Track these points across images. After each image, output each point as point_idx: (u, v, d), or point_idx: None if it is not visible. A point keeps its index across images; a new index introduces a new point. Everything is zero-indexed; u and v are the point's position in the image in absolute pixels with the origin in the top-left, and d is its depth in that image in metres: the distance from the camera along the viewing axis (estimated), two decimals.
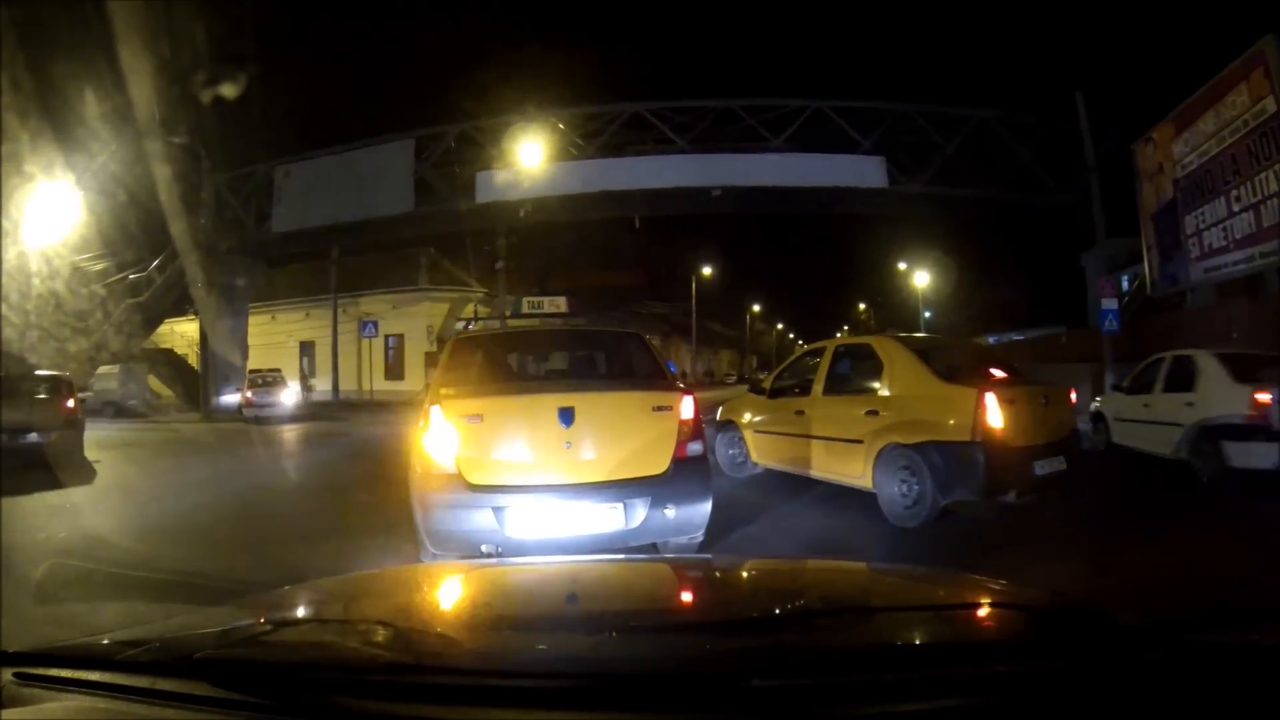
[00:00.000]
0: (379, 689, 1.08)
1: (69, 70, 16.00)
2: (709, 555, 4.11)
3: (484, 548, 3.80)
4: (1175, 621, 1.28)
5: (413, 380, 28.67)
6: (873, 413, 6.12)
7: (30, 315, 17.10)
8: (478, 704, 1.02)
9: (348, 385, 27.59)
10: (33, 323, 17.12)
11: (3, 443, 8.49)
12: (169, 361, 28.23)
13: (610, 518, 3.90)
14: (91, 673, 1.19)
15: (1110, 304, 13.73)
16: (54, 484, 7.95)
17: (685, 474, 4.10)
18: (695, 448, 4.19)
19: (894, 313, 45.41)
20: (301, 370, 31.00)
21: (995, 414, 5.43)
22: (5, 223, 15.74)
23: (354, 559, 4.41)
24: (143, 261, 23.40)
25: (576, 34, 55.77)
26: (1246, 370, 7.36)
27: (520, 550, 3.74)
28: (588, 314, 15.35)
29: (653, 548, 4.15)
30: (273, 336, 30.53)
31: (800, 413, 6.91)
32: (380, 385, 29.01)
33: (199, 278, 20.80)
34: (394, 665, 1.12)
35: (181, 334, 29.66)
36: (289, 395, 21.22)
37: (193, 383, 25.39)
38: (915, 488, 5.64)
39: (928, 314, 35.40)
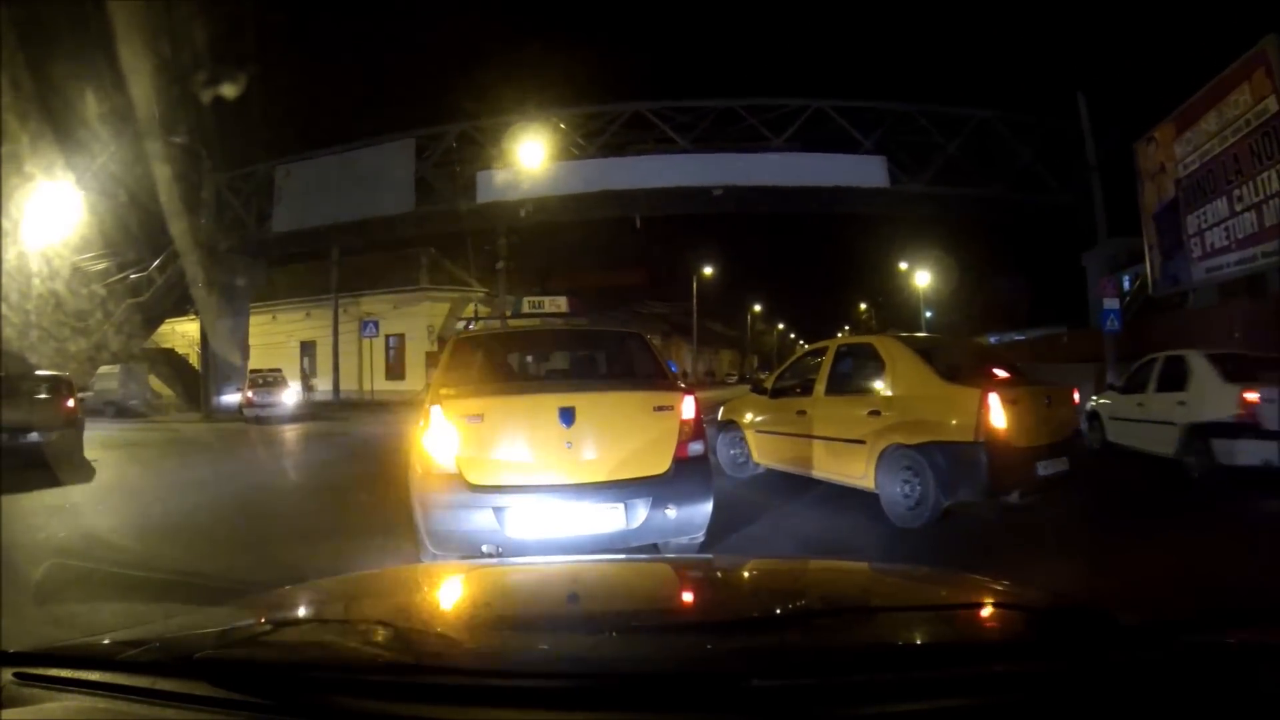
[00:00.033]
0: (379, 689, 1.07)
1: (69, 70, 16.02)
2: (710, 555, 4.10)
3: (484, 548, 3.80)
4: (1175, 621, 1.28)
5: (414, 380, 28.66)
6: (875, 413, 6.10)
7: (30, 315, 17.11)
8: (478, 704, 1.02)
9: (349, 385, 27.59)
10: (33, 323, 17.13)
11: (3, 442, 8.50)
12: (170, 361, 28.22)
13: (611, 518, 3.90)
14: (91, 673, 1.19)
15: (1112, 304, 13.73)
16: (53, 482, 8.01)
17: (686, 474, 4.10)
18: (696, 448, 4.19)
19: (895, 312, 45.48)
20: (303, 370, 31.03)
21: (999, 414, 5.41)
22: (5, 223, 15.76)
23: (354, 559, 4.40)
24: (143, 261, 23.41)
25: (577, 34, 55.85)
26: (1236, 370, 7.61)
27: (521, 550, 3.74)
28: (588, 314, 15.37)
29: (654, 548, 4.14)
30: (273, 336, 30.53)
31: (802, 413, 6.89)
32: (381, 385, 29.02)
33: (199, 278, 20.79)
34: (394, 665, 1.11)
35: (182, 334, 29.67)
36: (290, 395, 21.23)
37: (193, 383, 25.39)
38: (918, 488, 5.61)
39: (929, 314, 35.43)
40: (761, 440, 7.63)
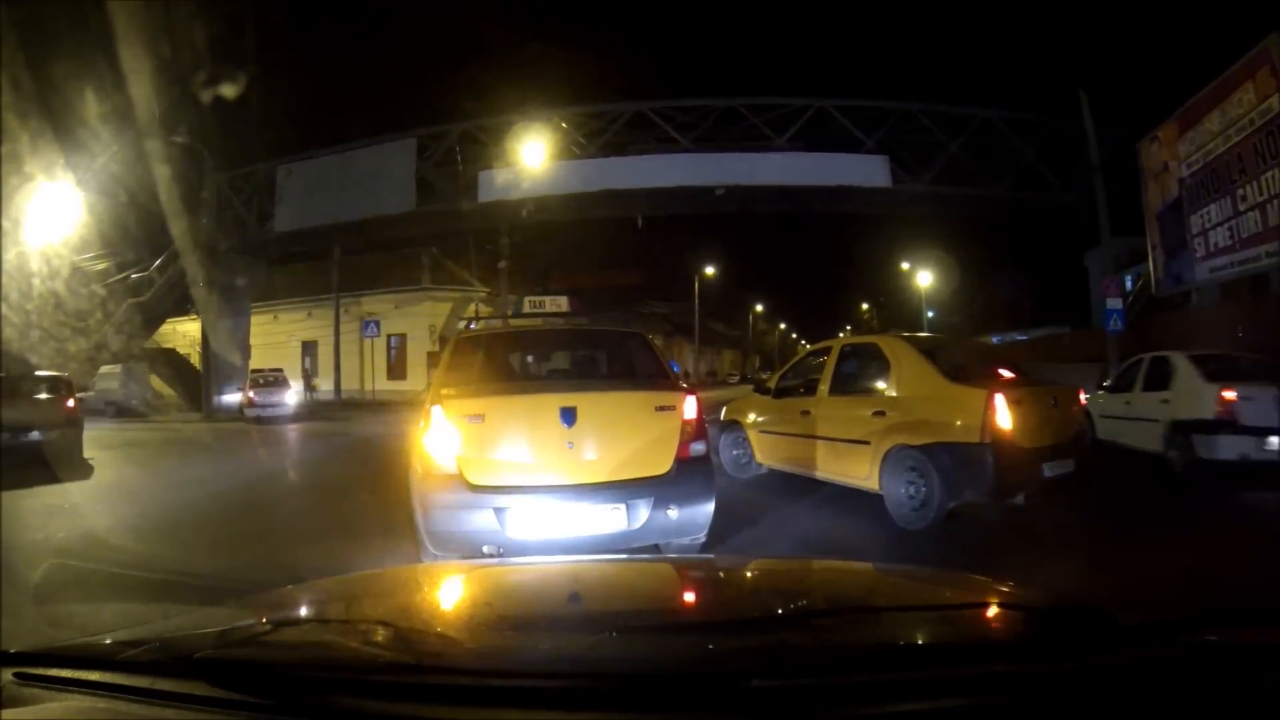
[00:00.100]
0: (379, 689, 1.07)
1: (69, 70, 16.06)
2: (710, 555, 4.10)
3: (485, 549, 3.79)
4: (1175, 621, 1.28)
5: (415, 380, 28.68)
6: (879, 413, 6.08)
7: (31, 315, 17.14)
8: (478, 704, 1.02)
9: (350, 385, 27.61)
10: (33, 323, 17.16)
11: (3, 441, 8.55)
12: (170, 361, 28.24)
13: (612, 519, 3.89)
14: (91, 673, 1.19)
15: (1115, 304, 13.73)
16: (53, 479, 8.14)
17: (688, 474, 4.09)
18: (698, 448, 4.18)
19: (897, 312, 45.49)
20: (305, 370, 31.04)
21: (1004, 415, 5.39)
22: (5, 223, 15.79)
23: (354, 559, 4.39)
24: (144, 261, 23.43)
25: (579, 33, 55.86)
26: (1216, 370, 8.15)
27: (521, 551, 3.73)
28: (590, 313, 15.40)
29: (655, 549, 4.13)
30: (275, 336, 30.58)
31: (806, 413, 6.86)
32: (382, 385, 29.06)
33: (200, 277, 20.82)
34: (394, 665, 1.11)
35: (184, 334, 29.71)
36: (291, 395, 21.24)
37: (194, 382, 25.39)
38: (922, 489, 5.59)
39: (930, 314, 35.41)
40: (764, 440, 7.60)
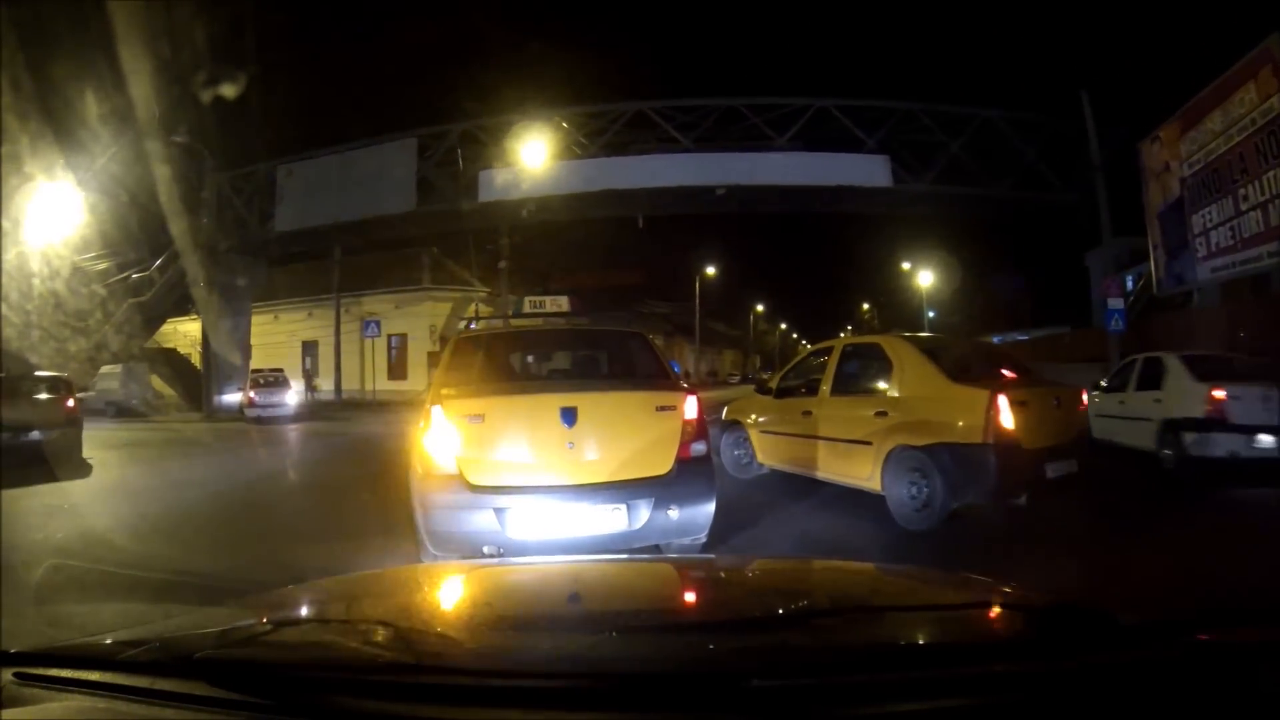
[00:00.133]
0: (379, 689, 1.07)
1: (69, 70, 16.07)
2: (711, 555, 4.09)
3: (485, 549, 3.78)
4: (1175, 621, 1.28)
5: (415, 380, 28.69)
6: (881, 414, 6.06)
7: (31, 315, 17.15)
8: (478, 704, 1.02)
9: (351, 385, 27.62)
10: (34, 323, 17.17)
11: (4, 441, 8.55)
12: (171, 361, 28.25)
13: (613, 519, 3.88)
14: (91, 673, 1.19)
15: (1116, 303, 13.73)
16: (52, 479, 8.17)
17: (689, 475, 4.08)
18: (699, 448, 4.17)
19: (897, 312, 45.45)
20: (305, 370, 31.05)
21: (1007, 416, 5.37)
22: (5, 223, 15.80)
23: (354, 559, 4.39)
24: (144, 261, 23.45)
25: (579, 33, 55.91)
26: (1207, 370, 8.39)
27: (522, 551, 3.72)
28: (590, 313, 15.38)
29: (655, 549, 4.12)
30: (275, 336, 30.60)
31: (807, 413, 6.85)
32: (383, 385, 29.05)
33: (200, 277, 20.82)
34: (394, 665, 1.11)
35: (184, 334, 29.72)
36: (291, 395, 21.24)
37: (195, 382, 25.40)
38: (925, 490, 5.57)
39: (931, 314, 35.39)
40: (766, 441, 7.59)
